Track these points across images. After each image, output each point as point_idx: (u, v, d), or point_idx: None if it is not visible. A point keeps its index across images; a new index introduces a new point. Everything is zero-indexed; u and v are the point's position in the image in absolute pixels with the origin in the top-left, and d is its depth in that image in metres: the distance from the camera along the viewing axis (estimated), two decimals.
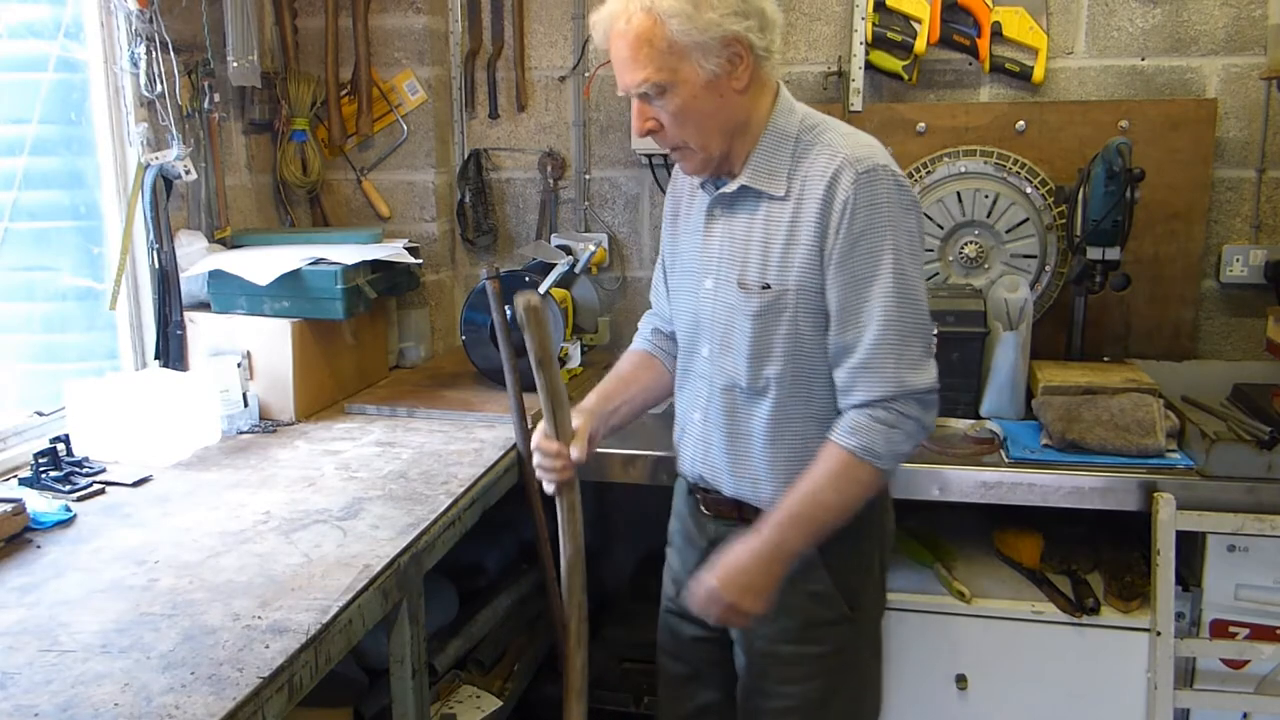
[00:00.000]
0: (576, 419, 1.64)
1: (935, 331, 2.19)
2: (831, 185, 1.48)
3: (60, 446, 1.92)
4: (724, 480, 1.65)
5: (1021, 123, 2.58)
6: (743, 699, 1.74)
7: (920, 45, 2.62)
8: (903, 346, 1.49)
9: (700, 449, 1.68)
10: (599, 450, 1.76)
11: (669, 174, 1.94)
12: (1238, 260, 2.60)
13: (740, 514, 1.65)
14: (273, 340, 2.27)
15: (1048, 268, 2.54)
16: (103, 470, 1.92)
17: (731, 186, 1.57)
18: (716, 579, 1.54)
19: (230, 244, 2.51)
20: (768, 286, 1.54)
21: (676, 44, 1.45)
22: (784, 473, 1.59)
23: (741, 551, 1.53)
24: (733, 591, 1.53)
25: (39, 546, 1.61)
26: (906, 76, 2.66)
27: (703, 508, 1.71)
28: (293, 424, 2.28)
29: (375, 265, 2.44)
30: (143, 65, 2.20)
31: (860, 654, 1.70)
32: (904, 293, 1.48)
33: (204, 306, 2.35)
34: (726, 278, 1.59)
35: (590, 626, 1.72)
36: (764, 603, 1.54)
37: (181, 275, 2.29)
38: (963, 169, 2.56)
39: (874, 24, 2.64)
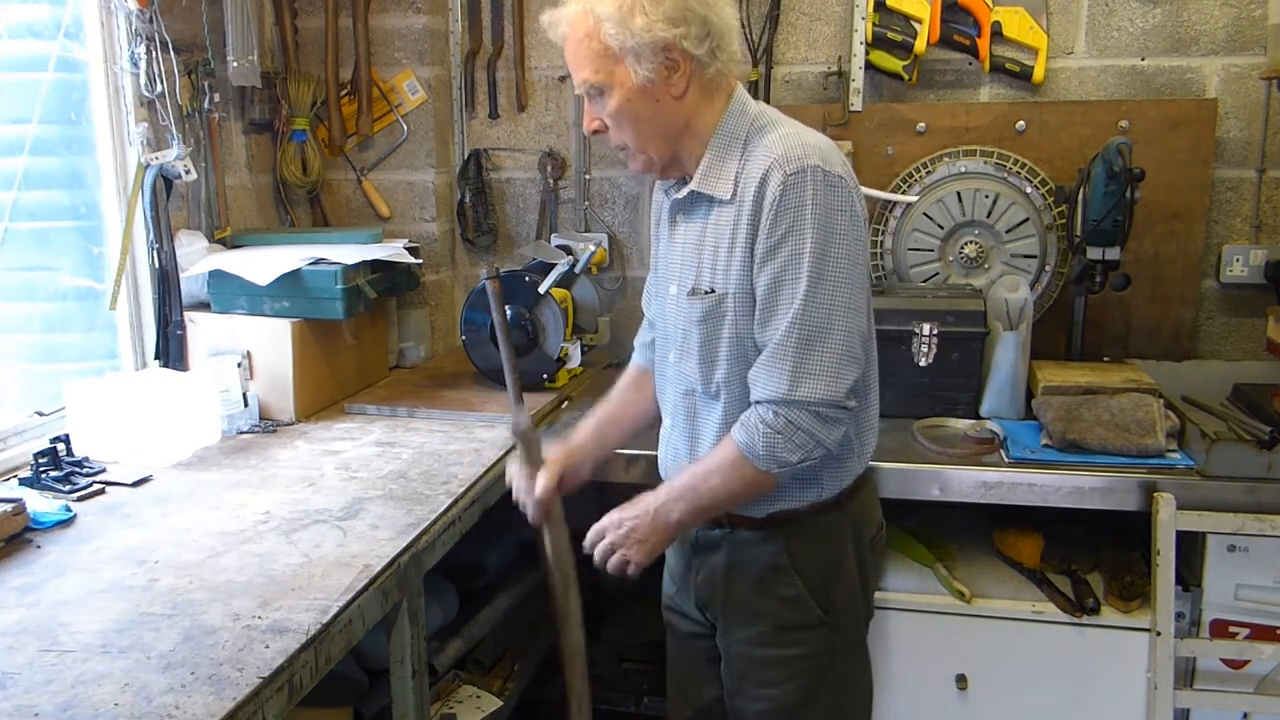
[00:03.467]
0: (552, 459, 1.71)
1: (931, 331, 2.21)
2: (761, 187, 1.47)
3: (60, 446, 1.92)
4: None
5: (1021, 123, 2.58)
6: (728, 699, 1.74)
7: (920, 45, 2.62)
8: (804, 352, 1.45)
9: (670, 452, 1.70)
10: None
11: None
12: (1238, 260, 2.60)
13: (713, 518, 1.65)
14: (273, 340, 2.27)
15: (1048, 268, 2.54)
16: (103, 470, 1.92)
17: (683, 192, 1.58)
18: (608, 517, 1.57)
19: (230, 244, 2.51)
20: (711, 291, 1.54)
21: (609, 48, 1.46)
22: None
23: (637, 501, 1.56)
24: (617, 533, 1.55)
25: (39, 546, 1.61)
26: (906, 76, 2.66)
27: None
28: (293, 424, 2.28)
29: (375, 265, 2.44)
30: (143, 65, 2.20)
31: (839, 658, 1.67)
32: (817, 297, 1.44)
33: (204, 306, 2.35)
34: (684, 283, 1.59)
35: (590, 626, 1.72)
36: (644, 556, 1.55)
37: (181, 275, 2.29)
38: (963, 169, 2.56)
39: (874, 24, 2.64)
